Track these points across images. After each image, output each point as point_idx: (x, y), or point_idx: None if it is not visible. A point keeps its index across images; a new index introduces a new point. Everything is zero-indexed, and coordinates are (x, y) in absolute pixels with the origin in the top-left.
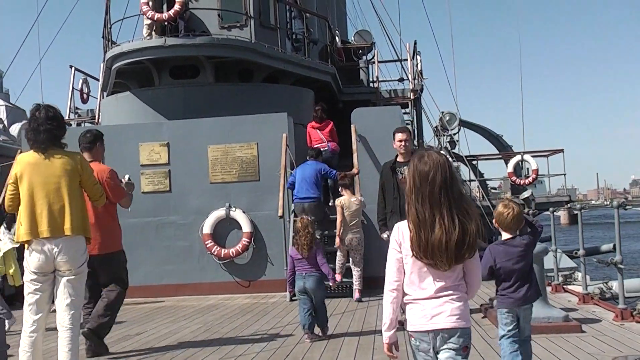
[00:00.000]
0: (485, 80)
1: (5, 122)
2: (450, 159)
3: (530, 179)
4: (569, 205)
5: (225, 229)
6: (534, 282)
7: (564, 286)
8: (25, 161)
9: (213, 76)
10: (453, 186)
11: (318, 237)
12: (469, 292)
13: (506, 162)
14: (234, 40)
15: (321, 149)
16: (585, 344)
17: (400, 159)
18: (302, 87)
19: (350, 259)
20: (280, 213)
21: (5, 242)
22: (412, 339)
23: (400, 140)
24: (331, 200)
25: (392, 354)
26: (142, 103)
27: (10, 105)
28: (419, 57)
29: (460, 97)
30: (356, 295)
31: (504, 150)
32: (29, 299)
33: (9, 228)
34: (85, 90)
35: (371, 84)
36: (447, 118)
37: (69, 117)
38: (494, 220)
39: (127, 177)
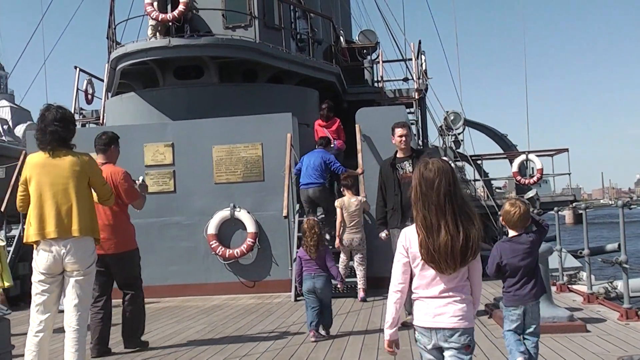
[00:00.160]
0: (490, 80)
1: (10, 123)
2: (453, 165)
3: (535, 179)
4: (573, 204)
5: (229, 229)
6: (539, 279)
7: (569, 286)
8: (34, 162)
9: (217, 76)
10: (456, 192)
11: (328, 237)
12: (474, 290)
13: (511, 162)
14: (238, 41)
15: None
16: (590, 344)
17: (399, 154)
18: (306, 87)
19: (353, 259)
20: (284, 213)
21: None
22: (416, 332)
23: (400, 136)
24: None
25: (392, 350)
26: (147, 104)
27: (15, 106)
28: (423, 57)
29: (464, 97)
30: (360, 294)
31: (509, 150)
32: (36, 299)
33: None
34: (90, 91)
35: (376, 84)
36: (452, 118)
37: None
38: (500, 219)
39: (141, 178)
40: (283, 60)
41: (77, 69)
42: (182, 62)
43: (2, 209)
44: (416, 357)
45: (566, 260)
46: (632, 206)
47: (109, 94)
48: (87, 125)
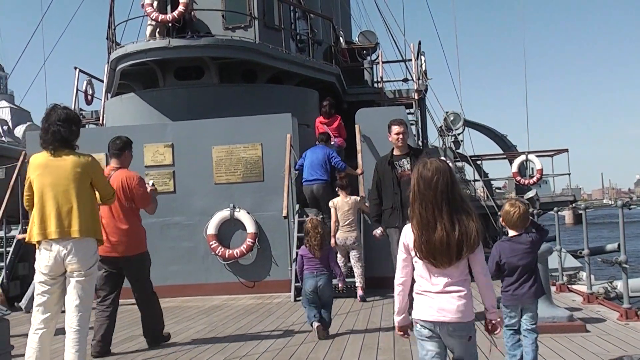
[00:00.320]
0: (490, 80)
1: (10, 124)
2: (451, 164)
3: (534, 179)
4: (573, 205)
5: (229, 229)
6: (538, 279)
7: (569, 286)
8: (37, 163)
9: (217, 77)
10: (454, 191)
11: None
12: (478, 279)
13: (510, 162)
14: (238, 41)
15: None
16: (589, 344)
17: (397, 152)
18: (306, 87)
19: (350, 258)
20: (284, 213)
21: None
22: (417, 325)
23: (397, 133)
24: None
25: (403, 334)
26: (147, 104)
27: (15, 107)
28: (423, 58)
29: (464, 97)
30: (359, 292)
31: (509, 150)
32: (38, 299)
33: None
34: (90, 91)
35: (375, 85)
36: (452, 118)
37: None
38: (500, 219)
39: (151, 182)
40: (283, 61)
41: (77, 70)
42: (182, 63)
43: (2, 209)
44: (416, 357)
45: (566, 260)
46: (632, 206)
47: (109, 95)
48: (86, 126)
